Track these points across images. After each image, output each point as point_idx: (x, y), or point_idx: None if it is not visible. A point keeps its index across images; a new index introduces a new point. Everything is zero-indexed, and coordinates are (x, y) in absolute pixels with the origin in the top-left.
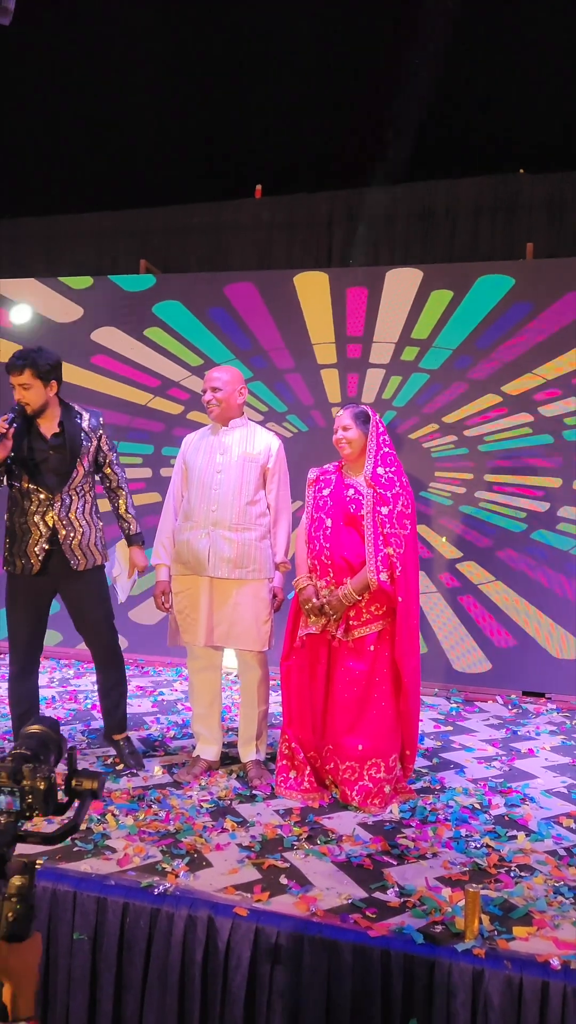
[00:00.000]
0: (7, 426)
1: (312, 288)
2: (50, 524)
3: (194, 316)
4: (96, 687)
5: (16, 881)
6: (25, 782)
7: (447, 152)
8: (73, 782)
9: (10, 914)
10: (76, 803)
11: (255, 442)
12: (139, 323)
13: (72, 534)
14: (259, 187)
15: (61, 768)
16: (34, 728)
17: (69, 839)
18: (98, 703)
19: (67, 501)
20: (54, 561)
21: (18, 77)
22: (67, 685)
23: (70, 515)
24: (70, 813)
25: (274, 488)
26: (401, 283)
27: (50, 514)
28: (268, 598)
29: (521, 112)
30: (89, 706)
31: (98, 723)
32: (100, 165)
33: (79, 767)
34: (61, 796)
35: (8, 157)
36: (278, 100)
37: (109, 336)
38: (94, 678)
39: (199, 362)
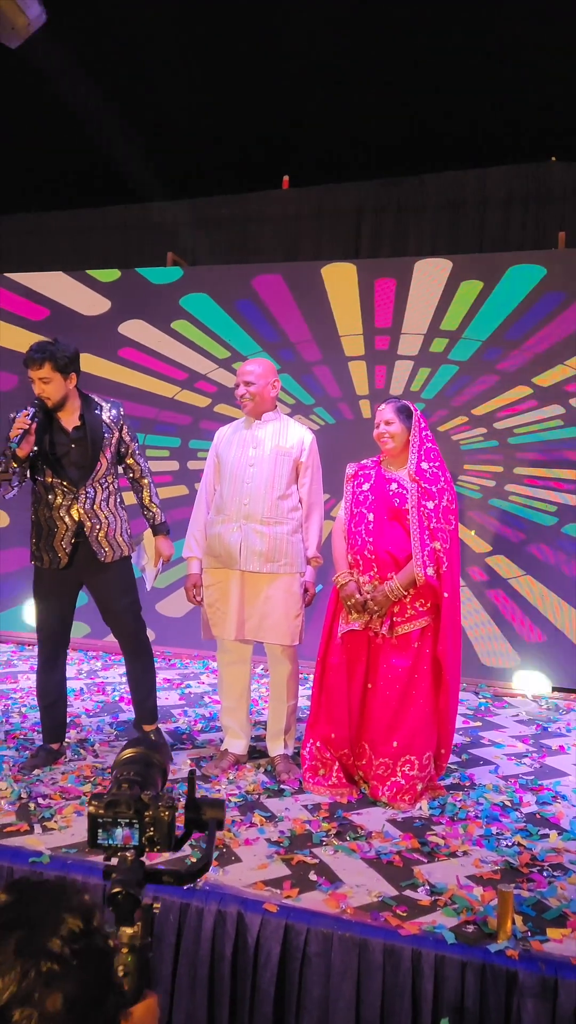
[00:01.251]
0: (29, 421)
1: (340, 279)
2: (76, 517)
3: (221, 308)
4: (125, 678)
5: (128, 930)
6: (148, 813)
7: (477, 140)
8: (196, 812)
9: (120, 969)
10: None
11: (288, 436)
12: (166, 316)
13: (98, 526)
14: (286, 178)
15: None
16: (131, 751)
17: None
18: (126, 694)
19: (91, 493)
20: (81, 554)
21: (44, 70)
22: (95, 677)
23: (95, 507)
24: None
25: (307, 482)
26: (430, 274)
27: (75, 507)
28: (300, 592)
29: (552, 99)
30: (117, 698)
31: (126, 715)
32: (126, 157)
33: (197, 793)
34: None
35: (35, 151)
36: (305, 90)
37: (136, 329)
38: (122, 670)
39: (226, 355)
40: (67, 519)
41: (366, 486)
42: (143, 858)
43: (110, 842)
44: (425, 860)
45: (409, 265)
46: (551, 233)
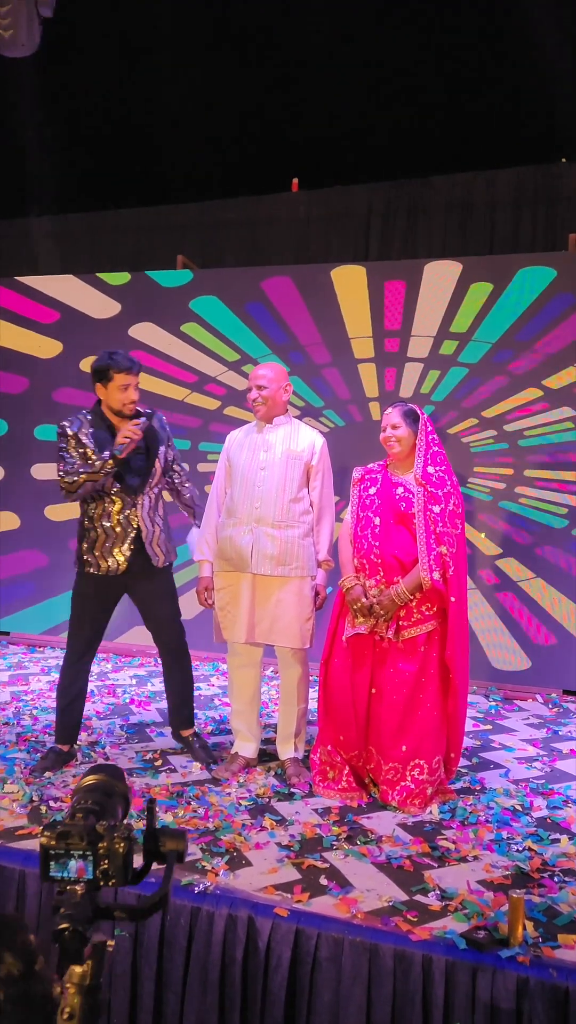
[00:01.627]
0: (140, 431)
1: (350, 282)
2: (135, 524)
3: (231, 311)
4: (163, 685)
5: (77, 969)
6: (102, 844)
7: (486, 142)
8: (155, 843)
9: (66, 1011)
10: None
11: (299, 439)
12: (176, 318)
13: (152, 532)
14: (296, 180)
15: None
16: (93, 778)
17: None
18: (137, 697)
19: (145, 501)
20: (136, 560)
21: (56, 73)
22: (105, 679)
23: (148, 513)
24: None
25: (318, 486)
26: (440, 276)
27: (134, 514)
28: (311, 595)
29: (562, 100)
30: (127, 700)
31: (137, 717)
32: (137, 161)
33: (156, 819)
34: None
35: (45, 154)
36: (315, 92)
37: (146, 331)
38: (132, 672)
39: (236, 357)
40: (127, 526)
41: (372, 490)
42: (99, 891)
43: (63, 875)
44: (436, 865)
45: (419, 267)
46: (561, 235)
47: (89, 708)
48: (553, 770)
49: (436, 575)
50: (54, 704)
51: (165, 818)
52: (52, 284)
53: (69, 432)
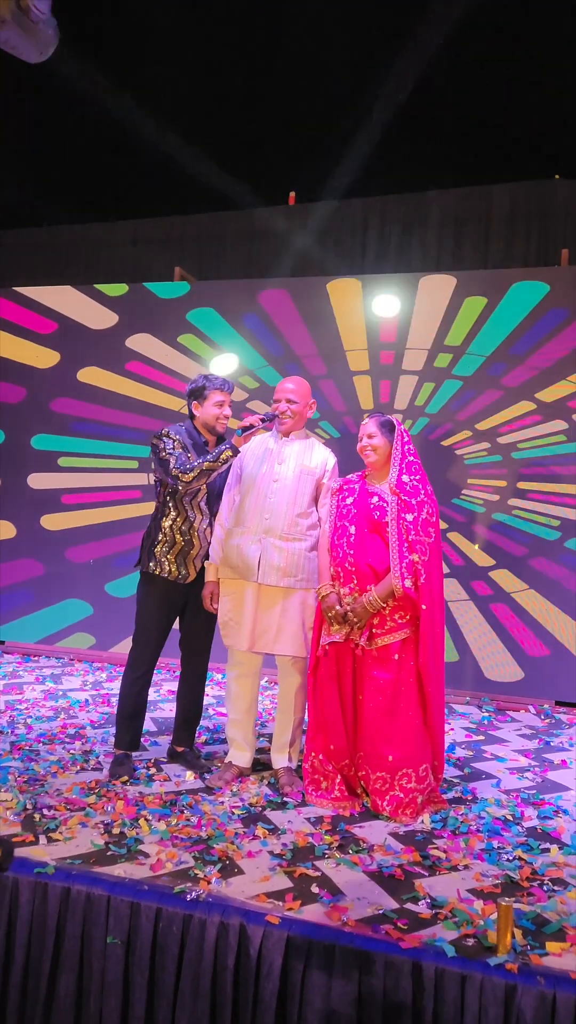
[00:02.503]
0: (260, 424)
1: (345, 295)
2: (207, 538)
3: (228, 323)
4: (177, 699)
5: None
6: None
7: (481, 158)
8: None
9: None
10: None
11: (313, 456)
12: (173, 330)
13: (206, 548)
14: (292, 194)
15: None
16: None
17: (103, 843)
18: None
19: (209, 519)
20: (200, 574)
21: (54, 87)
22: (100, 688)
23: (206, 531)
24: None
25: (326, 503)
26: (435, 290)
27: (208, 529)
28: (315, 606)
29: (556, 118)
30: None
31: None
32: (135, 173)
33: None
34: None
35: (45, 166)
36: (312, 107)
37: (144, 343)
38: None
39: (232, 369)
40: (203, 539)
41: (350, 500)
42: None
43: None
44: (426, 873)
45: (414, 281)
46: (554, 250)
47: (83, 717)
48: (544, 780)
49: (408, 583)
50: (114, 710)
51: (158, 826)
52: (50, 295)
53: (173, 436)
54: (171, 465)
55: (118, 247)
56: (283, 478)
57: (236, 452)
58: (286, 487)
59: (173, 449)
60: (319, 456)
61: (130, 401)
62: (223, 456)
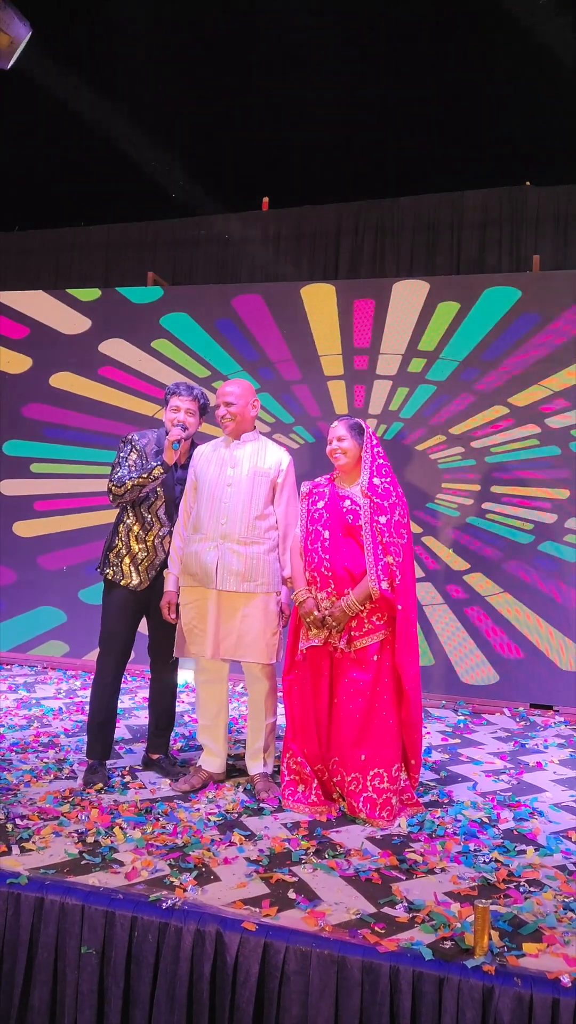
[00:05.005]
0: (181, 430)
1: (319, 300)
2: (166, 549)
3: (201, 328)
4: (148, 707)
5: None
6: None
7: (453, 165)
8: None
9: None
10: None
11: (266, 456)
12: (147, 335)
13: (164, 557)
14: (266, 199)
15: None
16: None
17: (77, 852)
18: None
19: (169, 528)
20: (157, 582)
21: (27, 90)
22: (74, 696)
23: (165, 539)
24: None
25: (283, 503)
26: (408, 295)
27: (167, 540)
28: (276, 611)
29: (527, 125)
30: None
31: None
32: (108, 178)
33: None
34: None
35: (17, 170)
36: (285, 112)
37: (117, 348)
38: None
39: (206, 373)
40: (160, 550)
41: (320, 504)
42: None
43: None
44: (403, 877)
45: (387, 286)
46: (526, 256)
47: (57, 725)
48: (520, 782)
49: (384, 584)
50: (79, 720)
51: (133, 835)
52: (22, 300)
53: (136, 443)
54: (111, 476)
55: (91, 252)
56: (237, 481)
57: (168, 468)
58: (240, 490)
59: (127, 457)
60: (273, 457)
61: (103, 407)
62: (154, 472)
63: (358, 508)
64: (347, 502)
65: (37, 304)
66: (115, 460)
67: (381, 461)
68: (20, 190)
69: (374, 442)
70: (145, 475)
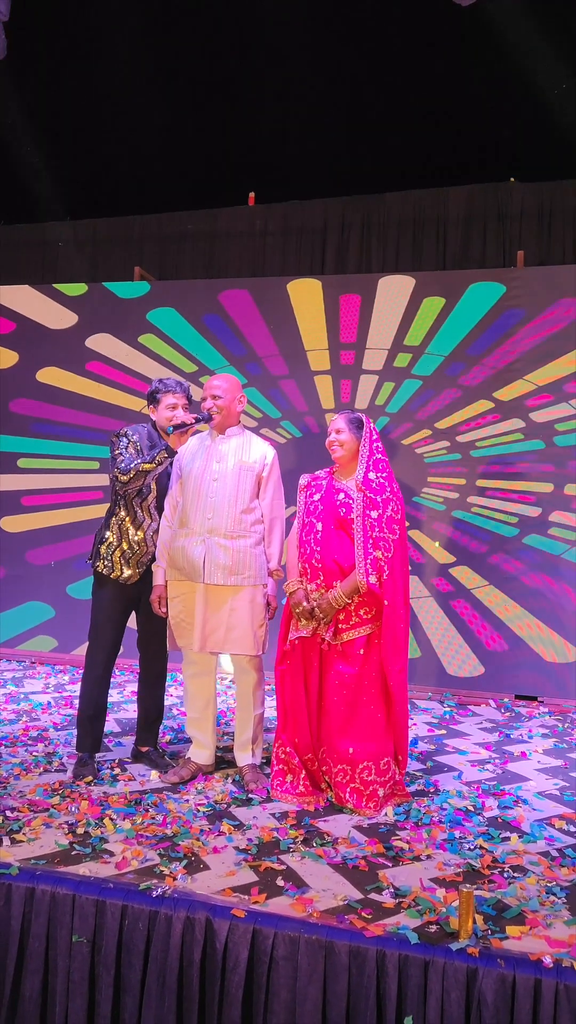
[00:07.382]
0: (194, 422)
1: (306, 295)
2: (155, 541)
3: (188, 323)
4: (137, 700)
5: None
6: None
7: (439, 160)
8: None
9: None
10: None
11: (251, 451)
12: (134, 330)
13: (155, 551)
14: (252, 194)
15: None
16: None
17: (68, 842)
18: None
19: (160, 522)
20: (147, 576)
21: (11, 83)
22: (62, 691)
23: (155, 534)
24: None
25: (268, 496)
26: (394, 290)
27: (155, 534)
28: (263, 603)
29: (512, 121)
30: None
31: None
32: (94, 172)
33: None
34: None
35: (2, 163)
36: (272, 107)
37: (104, 343)
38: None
39: (193, 368)
40: (150, 543)
41: (317, 496)
42: None
43: None
44: (390, 864)
45: (373, 281)
46: (511, 252)
47: (46, 719)
48: (504, 772)
49: (372, 579)
50: (68, 714)
51: (123, 825)
52: (8, 294)
53: (130, 436)
54: (115, 465)
55: (77, 246)
56: (222, 476)
57: (172, 453)
58: (226, 485)
59: (125, 449)
60: (258, 451)
61: (90, 402)
62: (158, 457)
63: (351, 501)
64: (341, 495)
65: (23, 299)
66: (114, 453)
67: (379, 456)
68: (4, 183)
69: (374, 437)
70: (148, 461)
